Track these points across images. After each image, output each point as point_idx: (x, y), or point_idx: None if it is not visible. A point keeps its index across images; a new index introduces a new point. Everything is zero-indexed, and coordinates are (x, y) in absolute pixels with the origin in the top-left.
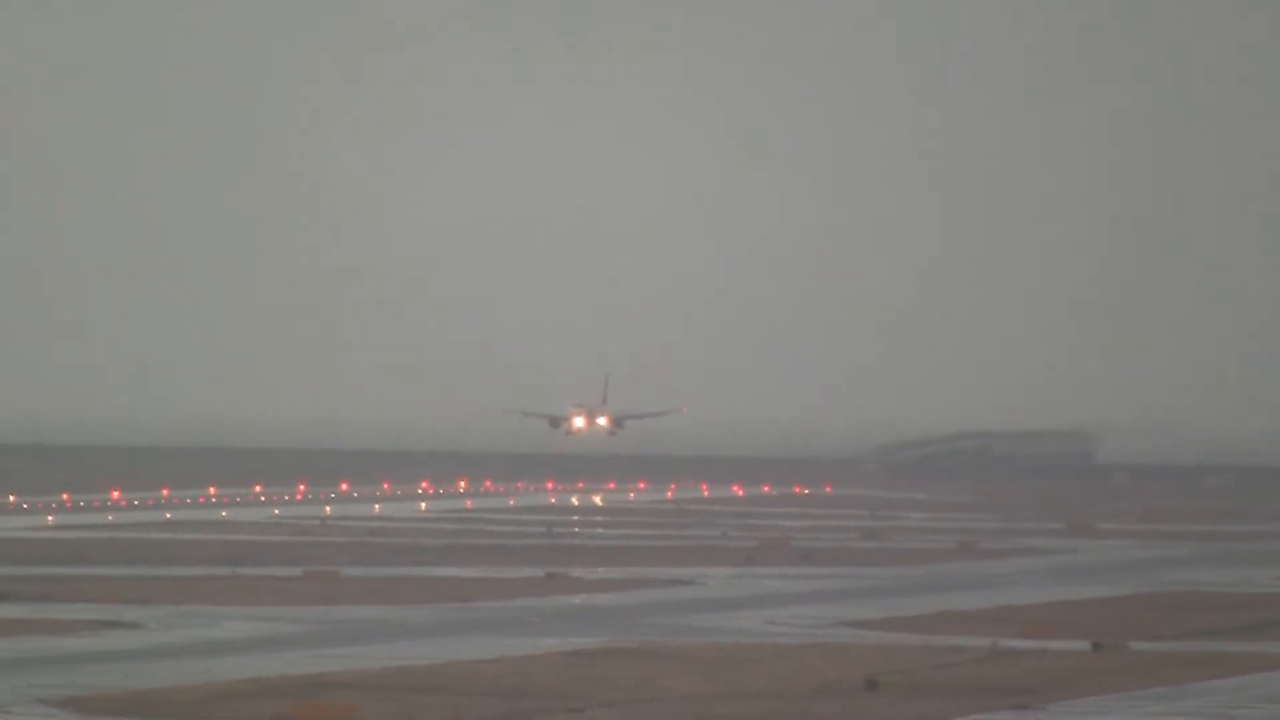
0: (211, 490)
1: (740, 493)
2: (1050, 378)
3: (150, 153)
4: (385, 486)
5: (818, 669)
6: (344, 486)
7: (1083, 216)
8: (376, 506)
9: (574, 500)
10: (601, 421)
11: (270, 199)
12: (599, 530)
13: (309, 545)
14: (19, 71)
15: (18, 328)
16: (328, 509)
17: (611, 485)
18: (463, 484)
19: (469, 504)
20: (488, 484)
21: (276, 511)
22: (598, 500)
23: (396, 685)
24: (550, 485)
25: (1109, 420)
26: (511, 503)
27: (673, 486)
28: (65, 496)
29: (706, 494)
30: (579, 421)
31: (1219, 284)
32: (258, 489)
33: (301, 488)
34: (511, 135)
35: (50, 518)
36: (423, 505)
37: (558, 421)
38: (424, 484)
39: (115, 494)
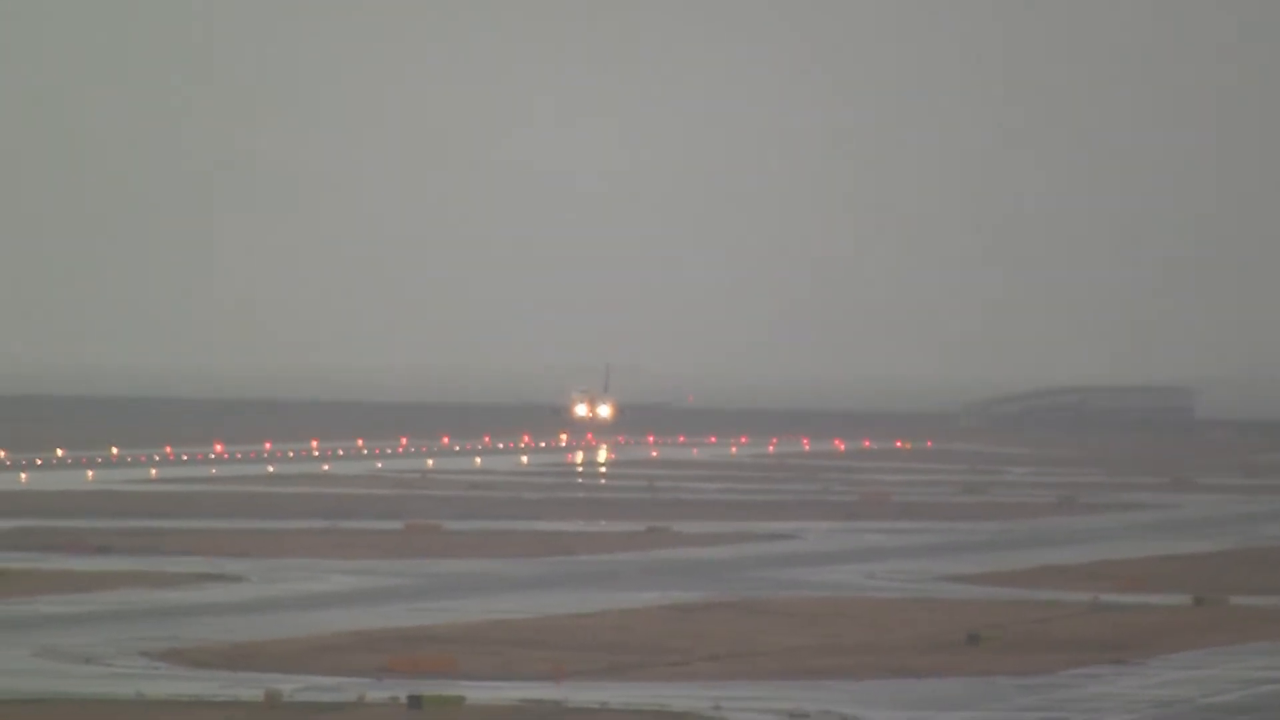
0: (314, 443)
1: (842, 447)
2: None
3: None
4: (486, 440)
5: (918, 623)
6: (445, 440)
7: (1184, 174)
8: (478, 460)
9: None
10: (604, 410)
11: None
12: (700, 484)
13: (410, 498)
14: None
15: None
16: (429, 462)
17: (713, 440)
18: (564, 437)
19: (571, 458)
20: (589, 438)
21: (378, 465)
22: (699, 454)
23: (497, 638)
24: (651, 439)
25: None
26: (613, 457)
27: (774, 441)
28: (168, 449)
29: (808, 448)
30: (581, 409)
31: None
32: (360, 442)
33: (403, 441)
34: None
35: (153, 471)
36: (524, 459)
37: (559, 410)
38: (525, 437)
39: (218, 447)
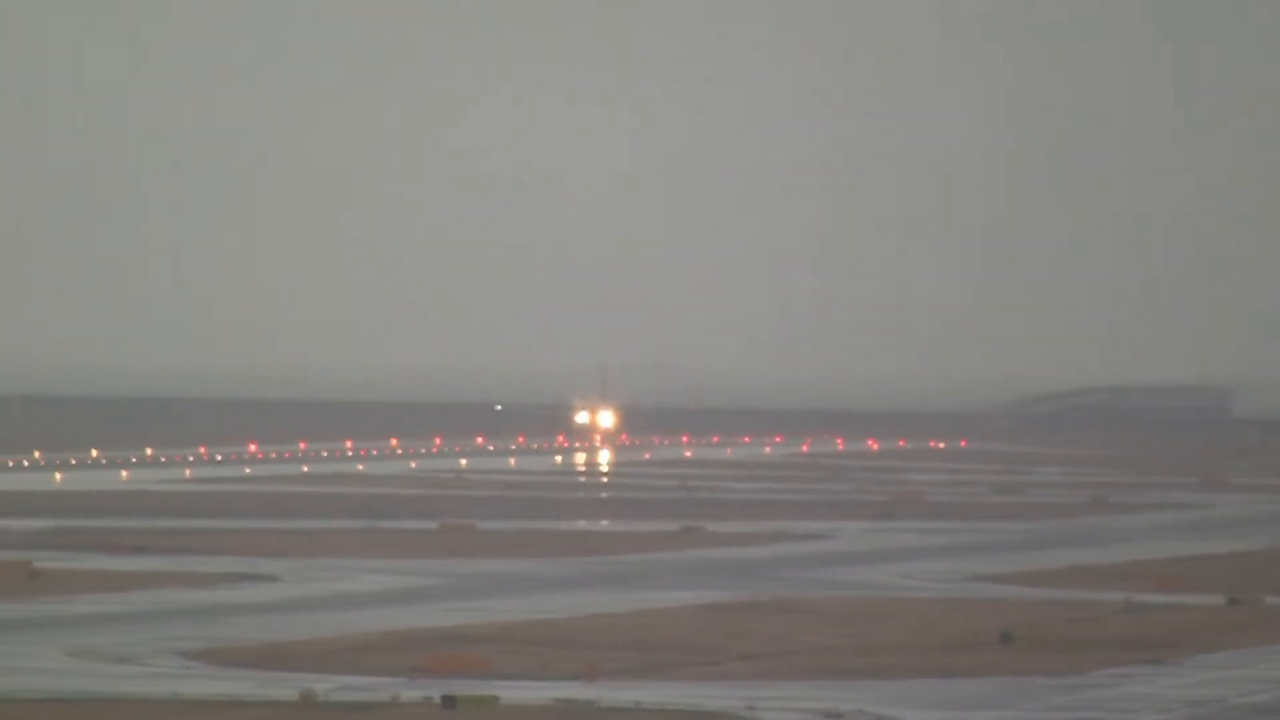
0: (348, 443)
1: (875, 447)
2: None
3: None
4: (520, 440)
5: (951, 622)
6: (480, 440)
7: (1221, 170)
8: (511, 460)
9: (709, 454)
10: (605, 417)
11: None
12: (734, 484)
13: (445, 498)
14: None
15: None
16: (463, 462)
17: (747, 439)
18: (598, 437)
19: (604, 457)
20: (623, 438)
21: (412, 464)
22: (732, 454)
23: (531, 638)
24: (685, 439)
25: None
26: (647, 456)
27: (808, 441)
28: (202, 449)
29: (841, 448)
30: (582, 416)
31: None
32: (393, 442)
33: (438, 441)
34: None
35: (187, 471)
36: (558, 459)
37: (556, 417)
38: (559, 437)
39: (252, 447)
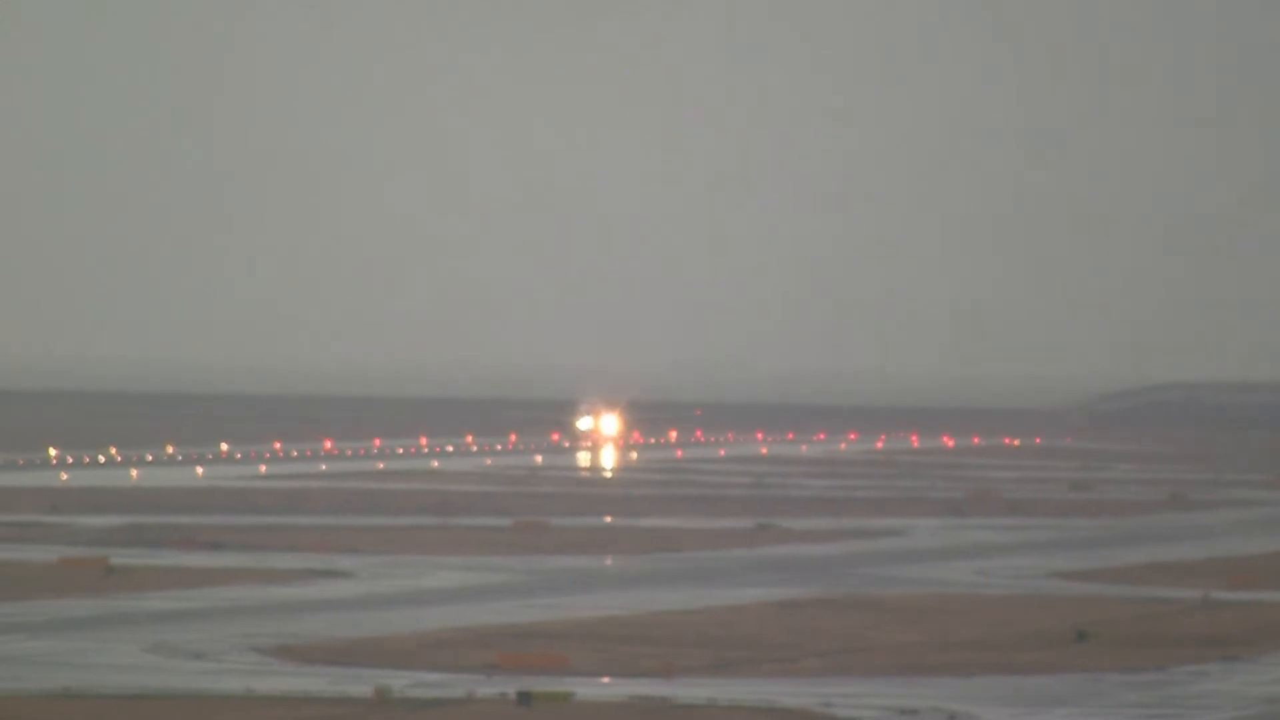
0: (422, 440)
1: (950, 444)
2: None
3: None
4: (635, 436)
5: (1027, 619)
6: (555, 436)
7: None
8: (591, 457)
9: (784, 451)
10: (610, 425)
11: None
12: (808, 481)
13: (519, 495)
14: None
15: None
16: (538, 458)
17: (821, 436)
18: (673, 434)
19: (679, 454)
20: (698, 434)
21: (487, 461)
22: (807, 451)
23: (606, 635)
24: (760, 435)
25: None
26: (721, 453)
27: (883, 437)
28: (277, 445)
29: (916, 445)
30: (586, 424)
31: None
32: (469, 438)
33: (512, 437)
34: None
35: (262, 467)
36: (633, 455)
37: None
38: (635, 434)
39: (327, 443)
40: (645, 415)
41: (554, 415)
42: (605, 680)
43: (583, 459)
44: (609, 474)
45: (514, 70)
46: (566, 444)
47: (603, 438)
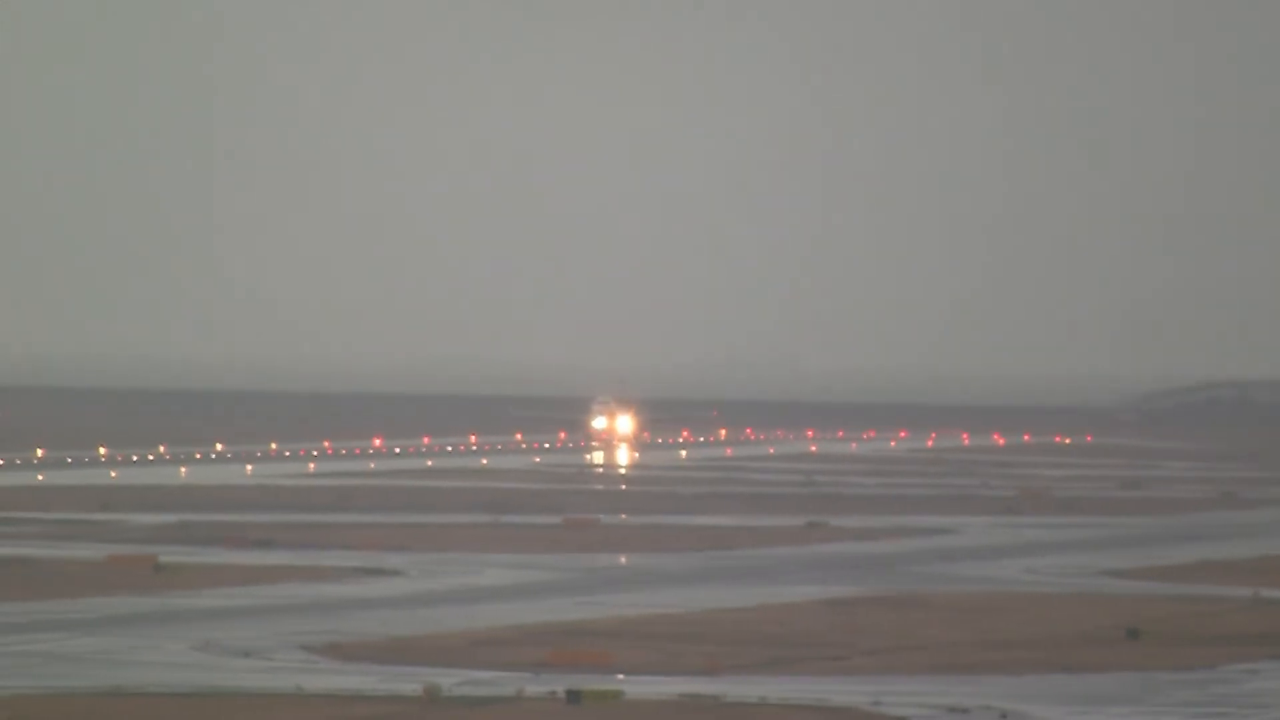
0: (472, 438)
1: (1001, 442)
2: None
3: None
4: (645, 435)
5: (1078, 618)
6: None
7: None
8: (635, 454)
9: (834, 449)
10: (624, 424)
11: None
12: (859, 479)
13: (568, 493)
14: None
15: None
16: (587, 457)
17: (872, 434)
18: (723, 432)
19: (729, 452)
20: (748, 432)
21: (536, 459)
22: (857, 449)
23: (655, 633)
24: (810, 434)
25: None
26: (772, 451)
27: (933, 435)
28: (327, 444)
29: (967, 443)
30: (601, 422)
31: None
32: (518, 436)
33: (562, 435)
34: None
35: (312, 465)
36: (682, 453)
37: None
38: (684, 432)
39: (377, 441)
40: (658, 415)
41: (567, 415)
42: (653, 678)
43: (620, 457)
44: (654, 471)
45: (516, 70)
46: (581, 443)
47: (617, 437)
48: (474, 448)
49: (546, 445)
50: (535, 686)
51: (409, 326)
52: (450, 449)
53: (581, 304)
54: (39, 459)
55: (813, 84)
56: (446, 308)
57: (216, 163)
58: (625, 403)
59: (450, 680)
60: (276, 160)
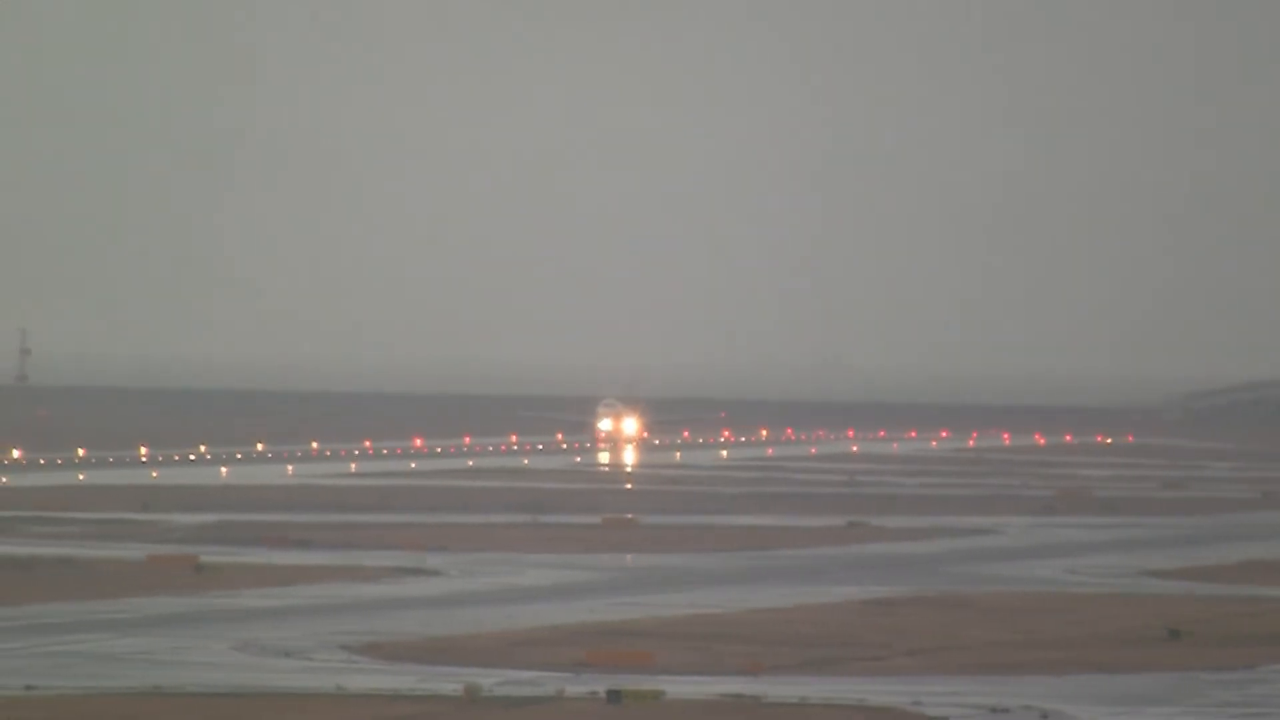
0: (512, 438)
1: (1042, 442)
2: None
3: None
4: (685, 435)
5: (1119, 618)
6: (645, 433)
7: None
8: (677, 454)
9: (876, 449)
10: (630, 425)
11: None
12: (900, 479)
13: (608, 493)
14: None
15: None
16: (623, 457)
17: (913, 434)
18: (764, 432)
19: (770, 452)
20: (789, 432)
21: (576, 459)
22: (899, 449)
23: (694, 633)
24: (851, 434)
25: None
26: (813, 451)
27: (974, 435)
28: (367, 444)
29: (1008, 443)
30: (606, 424)
31: None
32: (559, 437)
33: (599, 435)
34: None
35: (352, 465)
36: (724, 453)
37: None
38: (725, 432)
39: (417, 441)
40: (664, 417)
41: (575, 415)
42: (693, 678)
43: (675, 458)
44: (695, 471)
45: (516, 71)
46: (587, 444)
47: (623, 437)
48: (514, 447)
49: (577, 445)
50: (575, 687)
51: (409, 326)
52: (490, 449)
53: (582, 304)
54: (80, 459)
55: (813, 84)
56: (446, 308)
57: (219, 168)
58: (631, 403)
59: (490, 680)
60: (282, 165)
